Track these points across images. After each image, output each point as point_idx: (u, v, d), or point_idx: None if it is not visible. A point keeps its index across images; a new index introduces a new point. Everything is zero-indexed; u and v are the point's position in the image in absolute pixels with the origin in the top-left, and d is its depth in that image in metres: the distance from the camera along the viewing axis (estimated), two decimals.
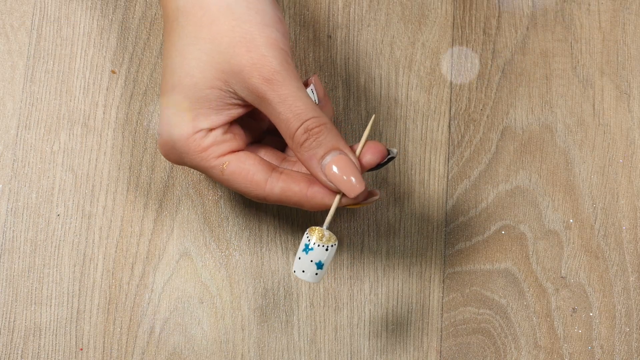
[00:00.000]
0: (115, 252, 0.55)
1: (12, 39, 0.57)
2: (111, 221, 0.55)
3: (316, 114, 0.44)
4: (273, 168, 0.46)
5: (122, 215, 0.55)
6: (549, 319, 0.55)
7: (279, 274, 0.55)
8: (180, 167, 0.56)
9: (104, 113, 0.56)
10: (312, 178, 0.46)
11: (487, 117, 0.57)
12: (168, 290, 0.55)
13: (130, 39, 0.57)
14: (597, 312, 0.55)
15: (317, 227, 0.46)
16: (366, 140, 0.46)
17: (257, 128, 0.50)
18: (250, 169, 0.46)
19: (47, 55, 0.57)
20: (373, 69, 0.58)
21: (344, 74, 0.57)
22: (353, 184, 0.44)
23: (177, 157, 0.47)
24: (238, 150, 0.46)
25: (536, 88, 0.58)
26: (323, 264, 0.46)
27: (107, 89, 0.56)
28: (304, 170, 0.47)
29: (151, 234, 0.55)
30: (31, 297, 0.54)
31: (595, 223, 0.56)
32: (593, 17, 0.59)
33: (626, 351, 0.55)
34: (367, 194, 0.46)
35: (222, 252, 0.55)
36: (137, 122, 0.56)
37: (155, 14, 0.57)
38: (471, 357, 0.55)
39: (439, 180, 0.57)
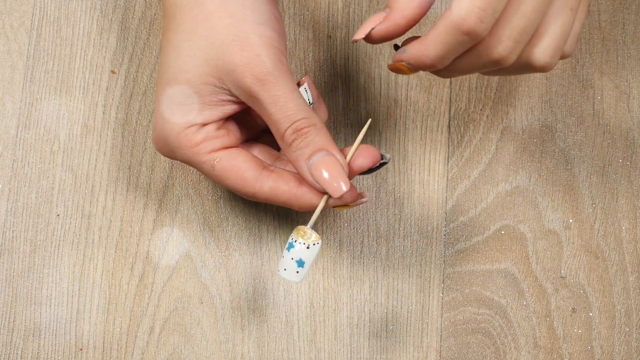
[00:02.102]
0: (115, 252, 0.55)
1: (12, 39, 0.57)
2: (111, 221, 0.55)
3: (306, 114, 0.44)
4: (264, 166, 0.46)
5: (122, 215, 0.55)
6: (548, 319, 0.55)
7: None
8: (180, 167, 0.56)
9: (103, 113, 0.56)
10: (302, 178, 0.46)
11: (487, 117, 0.57)
12: (168, 290, 0.55)
13: (130, 39, 0.57)
14: (597, 312, 0.55)
15: (302, 226, 0.46)
16: (359, 144, 0.46)
17: (254, 126, 0.50)
18: (240, 166, 0.46)
19: (47, 55, 0.57)
20: (373, 69, 0.58)
21: (343, 74, 0.57)
22: (338, 184, 0.44)
23: (169, 151, 0.47)
24: (230, 147, 0.47)
25: (536, 88, 0.58)
26: (304, 262, 0.46)
27: (106, 89, 0.56)
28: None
29: (151, 234, 0.55)
30: (31, 297, 0.54)
31: (595, 223, 0.56)
32: (593, 17, 0.59)
33: (626, 351, 0.55)
34: (356, 196, 0.46)
35: (221, 252, 0.55)
36: (137, 122, 0.56)
37: (155, 14, 0.57)
38: (471, 357, 0.55)
39: (438, 180, 0.57)
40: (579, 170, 0.57)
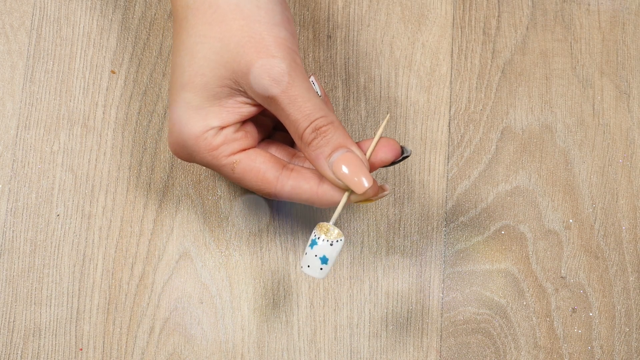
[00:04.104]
0: (115, 252, 0.55)
1: (12, 39, 0.57)
2: (111, 221, 0.55)
3: (324, 113, 0.45)
4: (283, 165, 0.47)
5: (122, 215, 0.55)
6: (548, 319, 0.55)
7: (279, 274, 0.55)
8: (180, 167, 0.56)
9: (103, 113, 0.56)
10: (322, 175, 0.46)
11: (487, 117, 0.57)
12: (168, 290, 0.55)
13: (130, 39, 0.57)
14: (597, 312, 0.55)
15: (324, 223, 0.46)
16: (380, 138, 0.46)
17: (267, 124, 0.50)
18: (260, 168, 0.46)
19: (47, 55, 0.57)
20: (373, 69, 0.58)
21: (343, 74, 0.57)
22: (361, 180, 0.44)
23: (187, 155, 0.47)
24: (249, 148, 0.47)
25: (536, 88, 0.58)
26: (328, 259, 0.46)
27: (106, 89, 0.56)
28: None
29: (151, 234, 0.55)
30: (31, 297, 0.54)
31: (595, 223, 0.56)
32: (593, 17, 0.59)
33: (626, 351, 0.55)
34: (377, 190, 0.46)
35: (221, 253, 0.55)
36: (136, 122, 0.56)
37: (155, 14, 0.57)
38: (471, 357, 0.55)
39: (439, 180, 0.57)
40: (579, 170, 0.57)
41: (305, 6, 0.58)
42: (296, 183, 0.46)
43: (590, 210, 0.57)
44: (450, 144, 0.57)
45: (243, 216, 0.56)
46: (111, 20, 0.57)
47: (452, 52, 0.58)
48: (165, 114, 0.56)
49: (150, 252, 0.55)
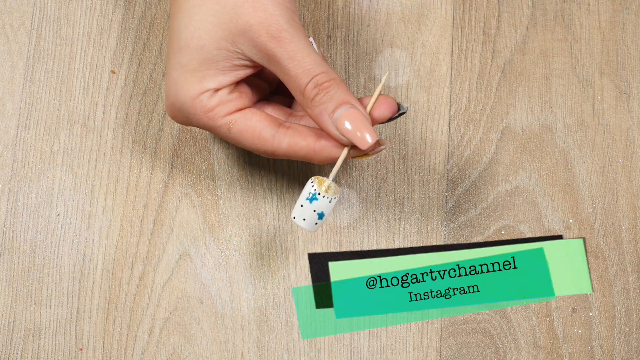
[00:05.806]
0: (115, 252, 0.55)
1: (12, 39, 0.57)
2: (111, 221, 0.55)
3: (325, 69, 0.45)
4: (280, 123, 0.47)
5: (122, 215, 0.55)
6: (548, 319, 0.55)
7: (279, 274, 0.55)
8: (180, 167, 0.56)
9: (103, 113, 0.56)
10: (319, 131, 0.46)
11: (487, 117, 0.57)
12: (168, 290, 0.55)
13: (130, 39, 0.57)
14: (597, 312, 0.55)
15: (323, 178, 0.46)
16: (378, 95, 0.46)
17: (264, 87, 0.50)
18: (256, 126, 0.46)
19: (47, 55, 0.57)
20: (373, 69, 0.58)
21: (343, 74, 0.57)
22: (364, 136, 0.44)
23: (184, 118, 0.47)
24: (244, 108, 0.47)
25: (536, 88, 0.58)
26: (324, 215, 0.46)
27: (106, 89, 0.56)
28: (311, 124, 0.48)
29: (151, 234, 0.55)
30: (31, 297, 0.54)
31: (595, 223, 0.56)
32: (593, 17, 0.59)
33: (626, 351, 0.55)
34: (375, 145, 0.46)
35: (221, 252, 0.55)
36: (136, 122, 0.56)
37: (155, 14, 0.57)
38: (471, 357, 0.55)
39: (439, 180, 0.57)
40: (579, 170, 0.57)
41: (305, 6, 0.58)
42: (293, 140, 0.46)
43: (590, 210, 0.57)
44: (450, 144, 0.57)
45: (243, 216, 0.56)
46: (111, 20, 0.57)
47: (452, 52, 0.58)
48: (165, 114, 0.56)
49: (150, 252, 0.55)
